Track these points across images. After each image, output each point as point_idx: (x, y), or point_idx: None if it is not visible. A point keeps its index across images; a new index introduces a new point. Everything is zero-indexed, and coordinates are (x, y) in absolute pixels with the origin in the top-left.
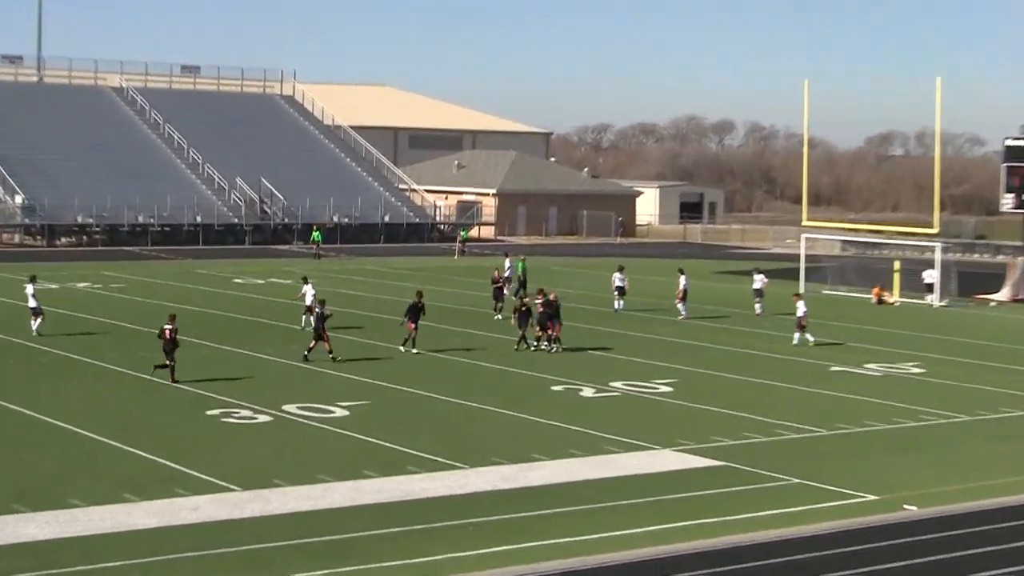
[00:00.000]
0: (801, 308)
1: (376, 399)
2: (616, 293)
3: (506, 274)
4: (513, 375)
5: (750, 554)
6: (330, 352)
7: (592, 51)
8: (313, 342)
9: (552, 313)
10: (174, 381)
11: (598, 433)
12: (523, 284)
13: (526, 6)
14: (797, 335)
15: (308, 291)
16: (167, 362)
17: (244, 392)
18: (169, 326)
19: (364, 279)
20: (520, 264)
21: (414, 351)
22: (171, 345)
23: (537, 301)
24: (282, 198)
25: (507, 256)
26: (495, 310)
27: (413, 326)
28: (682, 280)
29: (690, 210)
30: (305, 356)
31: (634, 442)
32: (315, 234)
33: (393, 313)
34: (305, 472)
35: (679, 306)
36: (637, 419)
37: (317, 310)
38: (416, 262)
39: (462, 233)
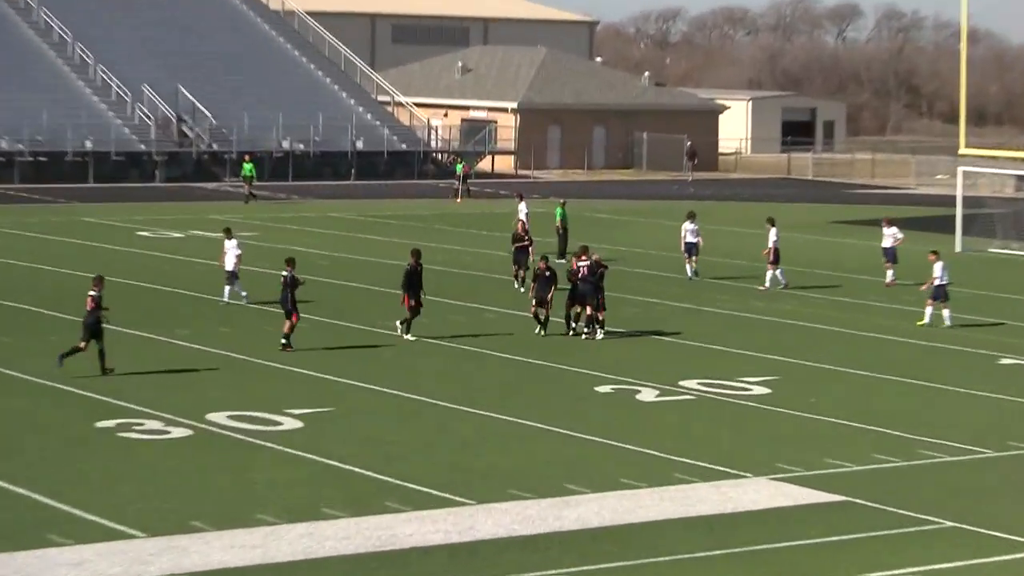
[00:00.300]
0: (938, 271)
1: (342, 405)
2: (687, 253)
3: (521, 218)
4: (541, 371)
5: None
6: (285, 338)
7: None
8: (288, 323)
9: (596, 282)
10: (105, 371)
11: (663, 455)
12: (565, 238)
13: None
14: (929, 310)
15: (230, 249)
16: (81, 345)
17: (152, 395)
18: (94, 292)
19: (326, 232)
20: (559, 211)
21: (408, 336)
22: (95, 321)
23: (582, 263)
24: (209, 116)
25: (520, 199)
26: (516, 278)
27: (412, 302)
28: (772, 235)
29: (797, 132)
30: (284, 344)
31: (715, 467)
32: (246, 167)
33: (369, 281)
34: (238, 511)
35: (772, 273)
36: (719, 434)
37: (286, 274)
38: (402, 207)
39: (459, 166)
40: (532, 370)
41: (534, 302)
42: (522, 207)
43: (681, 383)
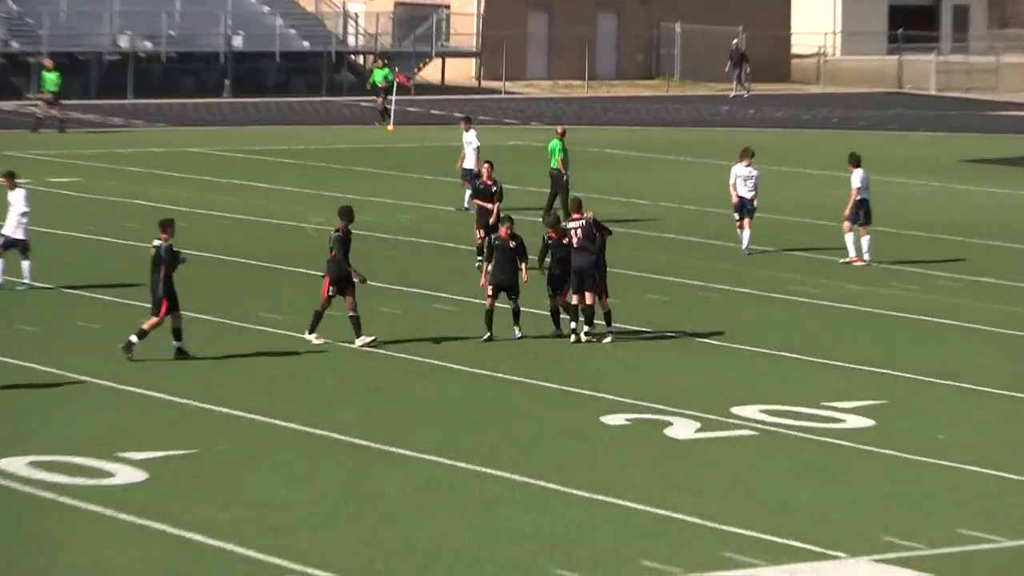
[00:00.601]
0: (858, 180)
1: (205, 445)
2: (738, 213)
3: (468, 165)
4: (517, 393)
5: None
6: (139, 336)
7: None
8: (154, 319)
9: (596, 253)
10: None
11: (706, 522)
12: (565, 188)
13: None
14: (849, 237)
15: (16, 203)
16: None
17: None
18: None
19: (184, 178)
20: (556, 145)
21: (314, 339)
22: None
23: (573, 224)
24: (10, 2)
25: (466, 125)
26: (480, 253)
27: (330, 290)
28: (857, 178)
29: (912, 23)
30: (130, 343)
31: (787, 542)
32: (48, 78)
33: (250, 254)
34: None
35: (852, 239)
36: (794, 489)
37: (158, 244)
38: (303, 137)
39: (375, 78)
40: (504, 392)
41: (489, 291)
42: (470, 139)
43: (734, 410)
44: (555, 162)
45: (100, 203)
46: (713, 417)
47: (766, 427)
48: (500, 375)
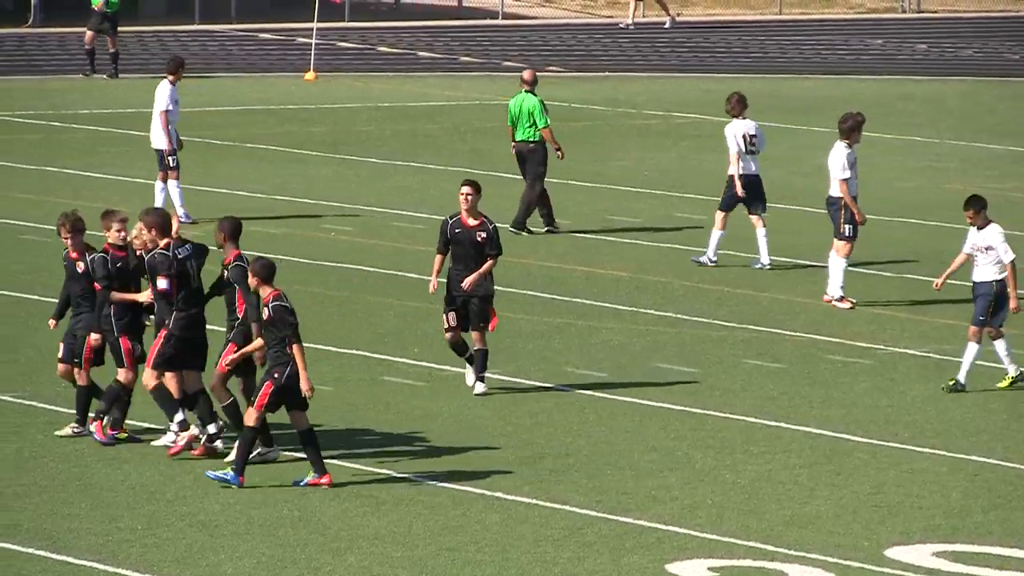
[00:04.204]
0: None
1: None
2: (745, 203)
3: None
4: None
5: None
6: None
7: None
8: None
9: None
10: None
11: None
12: (538, 176)
13: None
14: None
15: None
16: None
17: None
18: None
19: None
20: (523, 103)
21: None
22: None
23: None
24: None
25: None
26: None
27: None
28: None
29: None
30: None
31: None
32: None
33: None
34: None
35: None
36: None
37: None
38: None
39: None
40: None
41: (447, 320)
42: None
43: (891, 553)
44: (535, 127)
45: None
46: (858, 565)
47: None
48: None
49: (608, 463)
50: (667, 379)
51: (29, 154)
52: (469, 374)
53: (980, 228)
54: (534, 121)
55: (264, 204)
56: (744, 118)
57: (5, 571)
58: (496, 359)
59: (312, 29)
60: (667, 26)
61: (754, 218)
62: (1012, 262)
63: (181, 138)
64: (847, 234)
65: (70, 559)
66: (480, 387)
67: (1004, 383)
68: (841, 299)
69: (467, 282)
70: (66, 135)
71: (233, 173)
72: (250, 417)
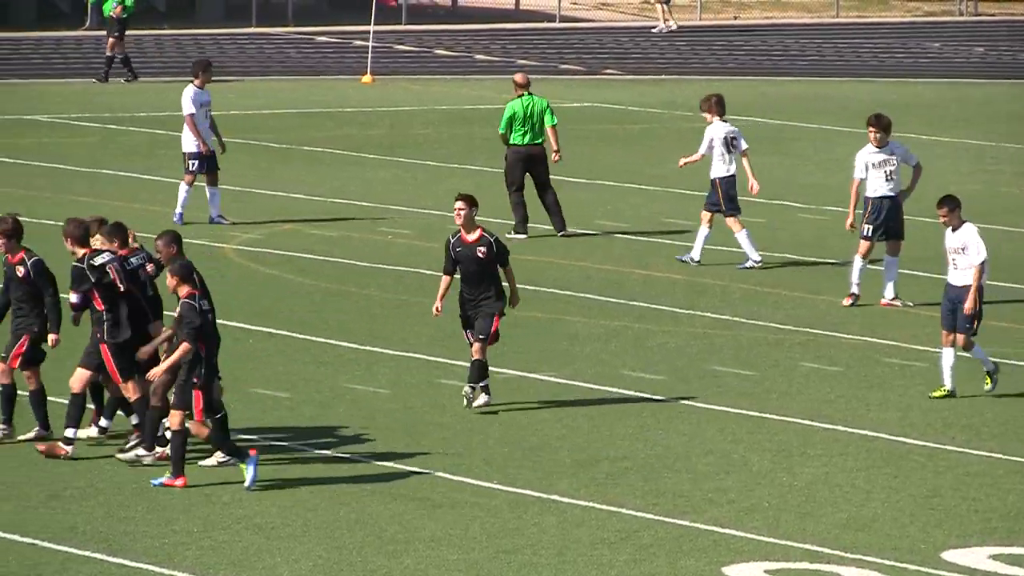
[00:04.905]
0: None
1: None
2: (725, 206)
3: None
4: None
5: None
6: None
7: None
8: None
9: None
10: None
11: None
12: (545, 187)
13: None
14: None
15: None
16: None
17: None
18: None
19: None
20: (534, 105)
21: (135, 455)
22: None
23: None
24: None
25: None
26: None
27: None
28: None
29: None
30: None
31: None
32: None
33: None
34: None
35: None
36: None
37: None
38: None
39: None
40: None
41: (467, 336)
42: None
43: (947, 556)
44: (541, 128)
45: None
46: (915, 568)
47: None
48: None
49: (665, 466)
50: (724, 382)
51: (86, 156)
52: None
53: (955, 229)
54: (542, 122)
55: (322, 207)
56: (724, 120)
57: (62, 574)
58: (553, 362)
59: (369, 32)
60: (659, 31)
61: (731, 220)
62: (983, 263)
63: (223, 140)
64: (864, 233)
65: (126, 562)
66: (482, 399)
67: (939, 392)
68: (893, 299)
69: (512, 302)
70: (123, 137)
71: (291, 176)
72: (175, 420)
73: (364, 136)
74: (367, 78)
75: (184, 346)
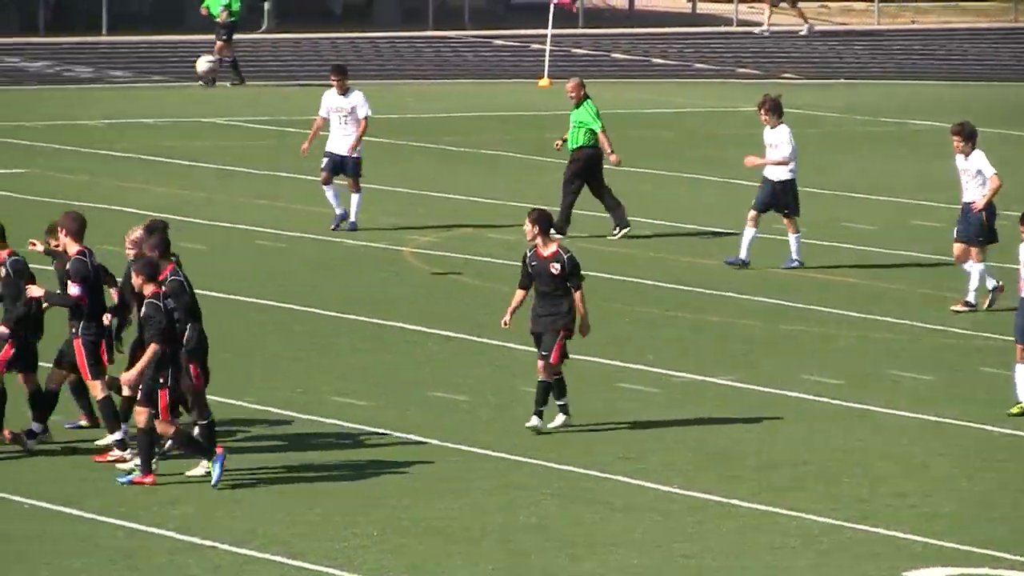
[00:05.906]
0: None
1: None
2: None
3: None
4: None
5: None
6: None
7: None
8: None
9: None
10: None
11: None
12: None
13: None
14: None
15: None
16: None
17: None
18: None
19: None
20: (592, 109)
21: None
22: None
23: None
24: None
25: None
26: None
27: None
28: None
29: None
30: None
31: None
32: None
33: None
34: None
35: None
36: None
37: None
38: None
39: (210, 5)
40: None
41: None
42: (355, 104)
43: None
44: (589, 132)
45: None
46: None
47: None
48: None
49: (844, 471)
50: (903, 387)
51: (263, 160)
52: (558, 415)
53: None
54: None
55: (500, 210)
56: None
57: None
58: (731, 365)
59: (546, 36)
60: (804, 33)
61: (788, 221)
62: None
63: (359, 144)
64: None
65: (306, 564)
66: (559, 419)
67: (1016, 409)
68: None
69: (582, 330)
70: (299, 140)
71: (469, 180)
72: (141, 419)
73: (541, 140)
74: (544, 82)
75: (152, 347)
